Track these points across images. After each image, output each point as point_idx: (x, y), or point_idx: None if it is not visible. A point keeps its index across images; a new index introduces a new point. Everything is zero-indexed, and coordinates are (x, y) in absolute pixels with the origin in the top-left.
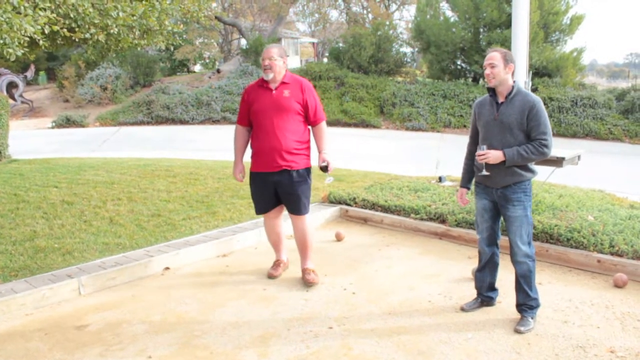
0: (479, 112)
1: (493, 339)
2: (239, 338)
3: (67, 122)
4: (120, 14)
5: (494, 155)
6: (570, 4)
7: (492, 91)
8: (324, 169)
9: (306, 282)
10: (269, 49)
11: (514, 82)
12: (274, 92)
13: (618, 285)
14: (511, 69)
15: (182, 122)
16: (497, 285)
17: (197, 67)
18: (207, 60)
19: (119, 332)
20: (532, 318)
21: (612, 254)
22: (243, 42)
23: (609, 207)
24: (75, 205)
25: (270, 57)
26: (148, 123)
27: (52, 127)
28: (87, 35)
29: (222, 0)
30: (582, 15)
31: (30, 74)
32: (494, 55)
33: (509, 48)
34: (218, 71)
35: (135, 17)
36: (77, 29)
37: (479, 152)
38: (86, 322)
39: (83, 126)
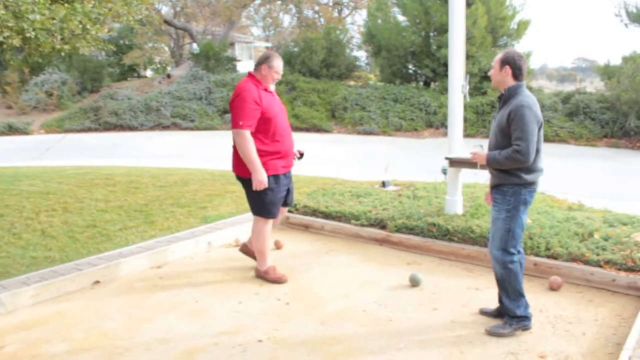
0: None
1: (425, 348)
2: (164, 355)
3: (10, 130)
4: (38, 17)
5: (479, 157)
6: (517, 10)
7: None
8: (302, 156)
9: (283, 279)
10: (282, 63)
11: (512, 85)
12: (275, 96)
13: (553, 288)
14: (507, 71)
15: (131, 128)
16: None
17: (149, 72)
18: (158, 65)
19: (37, 353)
20: (510, 325)
21: (547, 256)
22: (195, 46)
23: (547, 209)
24: (5, 217)
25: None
26: (95, 130)
27: None
28: (1, 39)
29: (174, 4)
30: (529, 20)
31: None
32: (495, 58)
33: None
34: (168, 76)
35: (55, 21)
36: None
37: (471, 150)
38: (2, 344)
39: (27, 133)
